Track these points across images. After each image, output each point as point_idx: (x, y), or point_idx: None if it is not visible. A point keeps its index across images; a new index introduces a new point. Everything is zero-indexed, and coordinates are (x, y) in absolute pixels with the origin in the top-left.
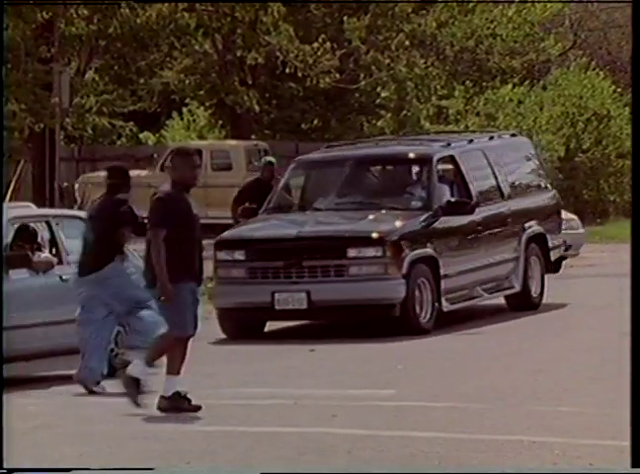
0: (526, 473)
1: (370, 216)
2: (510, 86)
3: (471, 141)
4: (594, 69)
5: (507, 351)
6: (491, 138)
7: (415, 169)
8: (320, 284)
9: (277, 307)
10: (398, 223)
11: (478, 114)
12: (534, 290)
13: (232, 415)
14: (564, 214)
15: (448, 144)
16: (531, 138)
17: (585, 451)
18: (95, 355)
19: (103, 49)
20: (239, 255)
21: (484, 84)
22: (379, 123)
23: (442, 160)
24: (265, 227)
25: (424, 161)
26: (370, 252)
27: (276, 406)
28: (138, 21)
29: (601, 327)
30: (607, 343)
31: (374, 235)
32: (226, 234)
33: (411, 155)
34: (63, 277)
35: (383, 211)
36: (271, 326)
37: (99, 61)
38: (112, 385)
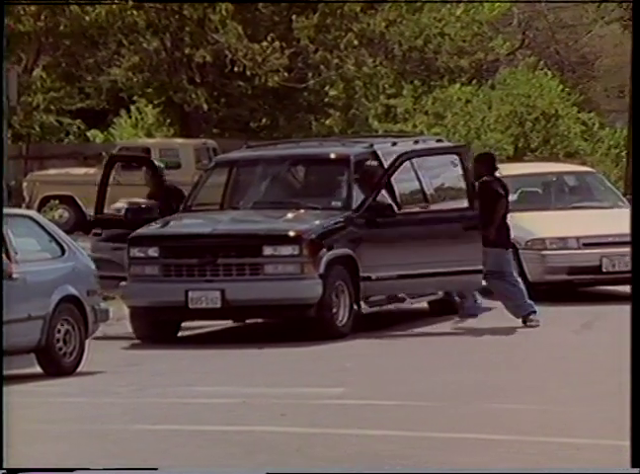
0: (524, 473)
1: (289, 215)
2: (458, 85)
3: (395, 144)
4: (542, 69)
5: (458, 349)
6: (416, 142)
7: (335, 169)
8: (235, 283)
9: (190, 306)
10: (316, 222)
11: (426, 113)
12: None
13: (181, 414)
14: None
15: (371, 146)
16: (479, 138)
17: (538, 448)
18: None
19: (51, 47)
20: (153, 252)
21: (432, 83)
22: (328, 122)
23: (364, 162)
24: (180, 224)
25: (343, 162)
26: (286, 250)
27: (225, 405)
28: (87, 18)
29: (555, 323)
30: (563, 339)
31: (291, 233)
32: (140, 231)
33: (330, 156)
34: (13, 276)
35: (302, 211)
36: (219, 326)
37: (47, 59)
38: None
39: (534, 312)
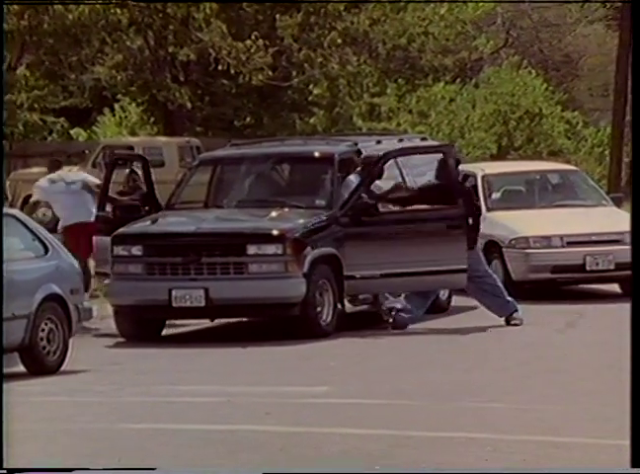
0: (526, 473)
1: (273, 214)
2: (442, 84)
3: (379, 143)
4: (525, 67)
5: (442, 348)
6: (400, 140)
7: (319, 168)
8: (219, 282)
9: (174, 304)
10: (300, 221)
11: (410, 111)
12: (442, 293)
13: (165, 412)
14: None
15: (355, 144)
16: (463, 136)
17: (518, 447)
18: None
19: (34, 45)
20: (136, 250)
21: (416, 82)
22: (312, 121)
23: (348, 160)
24: (164, 223)
25: (327, 160)
26: (270, 249)
27: (209, 403)
28: (70, 16)
29: (539, 322)
30: (547, 338)
31: (275, 232)
32: (124, 229)
33: (314, 154)
34: None
35: (286, 209)
36: (201, 325)
37: (30, 57)
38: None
39: (517, 311)
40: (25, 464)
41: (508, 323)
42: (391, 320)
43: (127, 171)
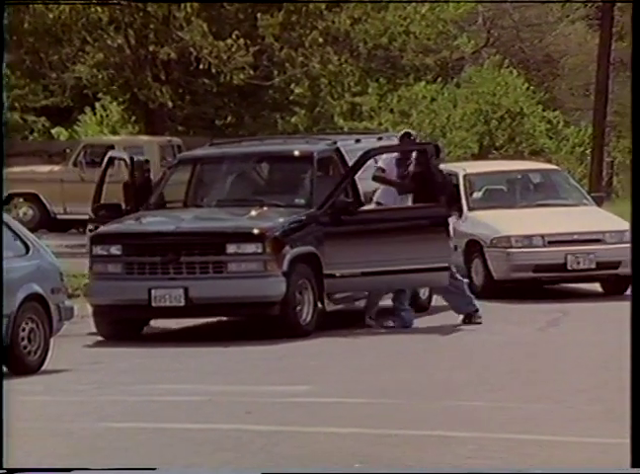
0: (525, 473)
1: (252, 213)
2: (423, 83)
3: (359, 141)
4: (507, 67)
5: (423, 347)
6: (379, 139)
7: (298, 167)
8: (198, 281)
9: (153, 304)
10: (280, 220)
11: (392, 110)
12: (422, 292)
13: (146, 412)
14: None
15: (334, 143)
16: (445, 136)
17: (501, 446)
18: None
19: (15, 44)
20: (115, 250)
21: (398, 81)
22: (293, 120)
23: (327, 159)
24: (143, 222)
25: (306, 159)
26: (250, 248)
27: (190, 403)
28: (51, 15)
29: (520, 321)
30: (528, 336)
31: (254, 231)
32: (103, 228)
33: (294, 153)
34: None
35: (265, 208)
36: (181, 324)
37: (10, 56)
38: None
39: (476, 311)
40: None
41: (468, 322)
42: (394, 321)
43: (141, 160)
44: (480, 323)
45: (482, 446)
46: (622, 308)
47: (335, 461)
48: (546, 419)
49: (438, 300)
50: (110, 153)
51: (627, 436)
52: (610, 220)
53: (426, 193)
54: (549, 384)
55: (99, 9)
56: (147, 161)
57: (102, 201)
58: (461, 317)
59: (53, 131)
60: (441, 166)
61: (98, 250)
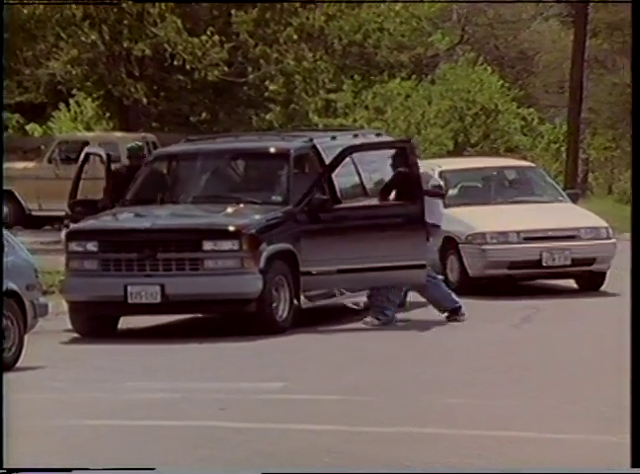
0: (525, 473)
1: (229, 210)
2: (398, 80)
3: (334, 138)
4: (481, 64)
5: (398, 344)
6: (355, 136)
7: (274, 164)
8: (175, 278)
9: (129, 301)
10: (256, 217)
11: (367, 107)
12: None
13: (120, 409)
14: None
15: (310, 140)
16: (420, 132)
17: (473, 442)
18: None
19: None
20: (92, 246)
21: (372, 78)
22: (268, 117)
23: (304, 156)
24: (119, 219)
25: (282, 156)
26: (226, 245)
27: (164, 400)
28: (25, 11)
29: (495, 317)
30: (503, 333)
31: (231, 228)
32: (79, 225)
33: (270, 150)
34: None
35: (242, 205)
36: (157, 321)
37: None
38: None
39: (460, 307)
40: None
41: (453, 319)
42: (380, 317)
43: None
44: (464, 320)
45: (456, 443)
46: (597, 304)
47: (309, 458)
48: (520, 415)
49: (414, 297)
50: (86, 149)
51: (600, 433)
52: (586, 217)
53: (405, 190)
54: (523, 381)
55: (73, 5)
56: (141, 147)
57: (78, 197)
58: (444, 315)
59: (28, 128)
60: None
61: (74, 246)
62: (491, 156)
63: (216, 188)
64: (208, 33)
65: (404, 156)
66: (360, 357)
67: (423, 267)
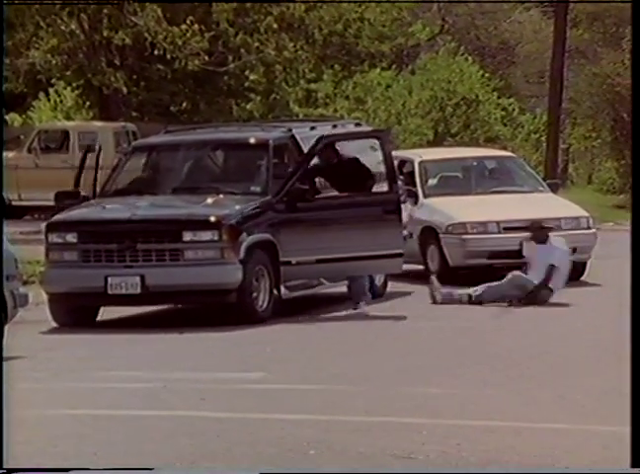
0: (524, 473)
1: (208, 200)
2: (378, 70)
3: (313, 128)
4: (462, 54)
5: (379, 333)
6: (334, 126)
7: (254, 154)
8: (155, 269)
9: (110, 292)
10: (236, 207)
11: (347, 97)
12: (378, 279)
13: (101, 398)
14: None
15: (289, 130)
16: (400, 123)
17: (453, 432)
18: None
19: None
20: (71, 237)
21: (353, 68)
22: (248, 106)
23: (283, 146)
24: (98, 210)
25: (262, 146)
26: (206, 236)
27: (145, 389)
28: (5, 0)
29: (475, 308)
30: (478, 324)
31: (211, 219)
32: (58, 216)
33: (249, 140)
34: None
35: (221, 196)
36: (137, 311)
37: None
38: None
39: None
40: None
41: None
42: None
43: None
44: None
45: (435, 433)
46: (577, 294)
47: (289, 448)
48: (497, 405)
49: (394, 286)
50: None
51: (577, 422)
52: (566, 207)
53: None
54: (501, 370)
55: None
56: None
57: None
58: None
59: (7, 118)
60: (397, 153)
61: (54, 237)
62: (471, 146)
63: (196, 178)
64: (189, 22)
65: (380, 145)
66: (340, 347)
67: (400, 255)
